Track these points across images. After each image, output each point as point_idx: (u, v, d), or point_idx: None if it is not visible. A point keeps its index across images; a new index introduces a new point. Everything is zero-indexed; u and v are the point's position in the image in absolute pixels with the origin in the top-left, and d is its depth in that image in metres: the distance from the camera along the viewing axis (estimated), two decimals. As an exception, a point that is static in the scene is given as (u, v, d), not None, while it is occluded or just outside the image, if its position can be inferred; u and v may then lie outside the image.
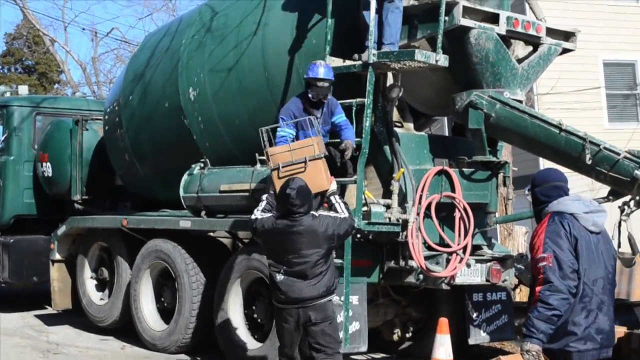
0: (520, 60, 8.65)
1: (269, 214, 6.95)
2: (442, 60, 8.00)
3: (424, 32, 8.30)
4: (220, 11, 10.12)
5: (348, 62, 8.26)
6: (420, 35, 8.34)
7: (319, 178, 7.35)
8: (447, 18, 8.00)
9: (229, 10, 10.02)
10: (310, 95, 7.90)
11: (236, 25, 9.66)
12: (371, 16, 8.00)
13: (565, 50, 9.02)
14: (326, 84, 7.90)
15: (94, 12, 52.59)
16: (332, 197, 7.25)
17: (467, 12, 8.13)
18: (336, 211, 7.04)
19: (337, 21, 8.28)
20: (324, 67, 7.91)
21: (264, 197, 7.28)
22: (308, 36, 8.80)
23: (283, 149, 7.57)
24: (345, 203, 7.25)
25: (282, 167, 7.46)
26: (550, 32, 8.83)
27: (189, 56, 10.16)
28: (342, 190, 8.31)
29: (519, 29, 8.48)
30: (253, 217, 7.02)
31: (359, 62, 8.18)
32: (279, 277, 6.74)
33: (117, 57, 33.10)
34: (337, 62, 8.32)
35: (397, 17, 8.17)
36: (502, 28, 8.30)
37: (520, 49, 8.87)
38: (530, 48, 8.83)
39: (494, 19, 8.32)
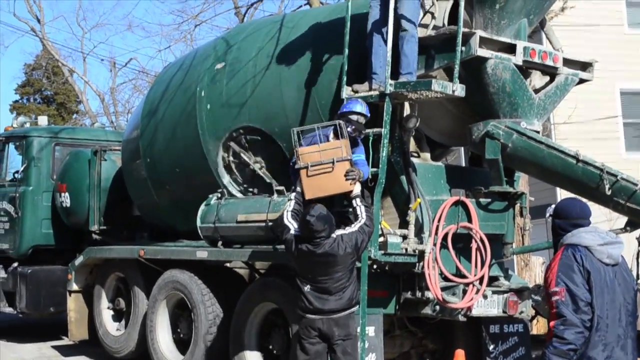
0: (537, 91, 8.63)
1: (292, 231, 7.28)
2: (459, 90, 7.99)
3: (441, 62, 8.30)
4: (234, 44, 10.17)
5: (365, 93, 8.27)
6: (437, 65, 8.34)
7: (344, 179, 7.57)
8: (464, 48, 7.99)
9: (243, 43, 10.07)
10: (349, 130, 7.85)
11: (250, 58, 9.72)
12: (388, 47, 8.01)
13: (582, 81, 9.00)
14: (362, 120, 7.96)
15: (113, 43, 53.08)
16: (354, 200, 7.50)
17: (484, 42, 8.13)
18: (356, 216, 7.35)
19: (352, 53, 8.30)
20: (362, 104, 7.99)
21: (292, 195, 7.70)
22: (323, 69, 8.83)
23: (312, 149, 7.73)
24: (367, 206, 7.48)
25: (311, 166, 7.63)
26: (567, 62, 8.83)
27: (205, 89, 10.19)
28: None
29: (536, 59, 8.47)
30: (285, 220, 7.43)
31: (376, 92, 8.18)
32: (306, 287, 7.15)
33: (135, 87, 33.35)
34: (349, 92, 8.32)
35: (412, 46, 8.16)
36: (519, 58, 8.30)
37: (537, 79, 8.86)
38: (547, 78, 8.82)
39: (510, 49, 8.32)
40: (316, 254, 7.06)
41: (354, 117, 7.92)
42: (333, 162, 7.60)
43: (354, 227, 7.27)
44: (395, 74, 8.09)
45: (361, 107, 7.96)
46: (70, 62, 33.80)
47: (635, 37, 22.71)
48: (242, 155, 9.86)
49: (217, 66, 10.10)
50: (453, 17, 8.45)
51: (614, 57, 21.51)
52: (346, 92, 8.27)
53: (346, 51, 8.30)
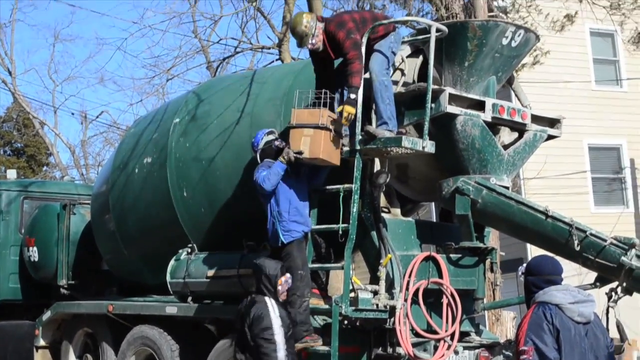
0: (506, 147, 8.71)
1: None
2: (429, 146, 8.05)
3: (410, 118, 8.37)
4: (205, 98, 10.21)
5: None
6: (407, 122, 8.41)
7: (315, 145, 7.97)
8: (433, 105, 8.07)
9: (214, 98, 10.11)
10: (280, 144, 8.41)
11: (221, 113, 9.75)
12: (359, 101, 8.07)
13: (551, 137, 9.10)
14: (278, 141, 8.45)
15: (85, 96, 53.12)
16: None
17: (454, 99, 8.22)
18: None
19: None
20: (262, 131, 8.57)
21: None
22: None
23: (305, 111, 8.13)
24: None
25: (296, 125, 8.05)
26: (536, 118, 8.93)
27: (176, 143, 10.20)
28: (327, 275, 8.71)
29: (505, 116, 8.56)
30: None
31: (347, 148, 8.24)
32: None
33: (106, 140, 33.30)
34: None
35: (384, 94, 8.16)
36: (488, 115, 8.39)
37: (506, 135, 8.96)
38: (516, 134, 8.91)
39: (480, 105, 8.41)
40: None
41: (277, 143, 8.33)
42: (316, 127, 7.96)
43: None
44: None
45: (262, 133, 8.48)
46: (41, 114, 33.76)
47: (602, 93, 23.05)
48: (212, 210, 9.83)
49: (180, 143, 10.13)
50: (422, 74, 8.56)
51: (582, 113, 21.83)
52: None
53: (321, 109, 8.33)
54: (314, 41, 8.33)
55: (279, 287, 7.47)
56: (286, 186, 8.18)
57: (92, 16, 66.37)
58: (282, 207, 8.14)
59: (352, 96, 7.99)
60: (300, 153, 8.02)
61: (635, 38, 18.98)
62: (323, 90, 8.16)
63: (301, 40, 8.38)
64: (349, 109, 7.93)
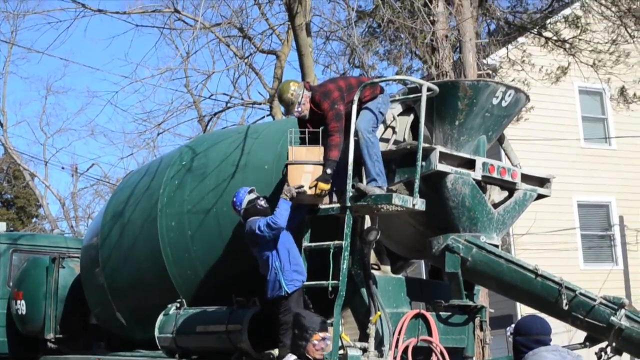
0: (496, 205, 8.76)
1: None
2: (419, 204, 8.09)
3: (401, 176, 8.42)
4: (200, 152, 10.26)
5: (326, 205, 8.35)
6: (398, 179, 8.46)
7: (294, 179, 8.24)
8: (424, 163, 8.13)
9: (209, 152, 10.16)
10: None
11: (216, 166, 9.79)
12: (349, 159, 8.13)
13: (541, 196, 9.16)
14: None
15: (75, 148, 53.15)
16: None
17: (444, 157, 8.28)
18: None
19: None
20: (244, 190, 8.59)
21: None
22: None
23: (302, 148, 8.41)
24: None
25: (294, 162, 8.32)
26: (526, 178, 8.99)
27: (169, 196, 10.22)
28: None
29: (495, 175, 8.63)
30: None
31: (337, 205, 8.27)
32: None
33: (97, 193, 33.27)
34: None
35: (371, 151, 8.22)
36: (478, 173, 8.45)
37: (496, 194, 9.02)
38: (506, 193, 8.97)
39: (470, 164, 8.47)
40: None
41: (261, 202, 8.40)
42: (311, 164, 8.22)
43: None
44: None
45: (244, 192, 8.50)
46: (31, 166, 33.78)
47: (590, 150, 23.22)
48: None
49: (175, 195, 10.14)
50: (414, 132, 8.64)
51: (572, 170, 21.95)
52: (308, 202, 8.35)
53: (309, 166, 8.39)
54: (299, 109, 8.45)
55: (315, 342, 7.12)
56: (284, 235, 8.21)
57: (84, 69, 66.84)
58: (283, 256, 8.16)
59: (328, 171, 8.15)
60: (301, 187, 8.13)
61: (619, 95, 19.20)
62: (320, 130, 8.35)
63: (287, 108, 8.57)
64: (322, 185, 8.14)
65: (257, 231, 8.17)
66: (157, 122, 20.36)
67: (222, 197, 9.55)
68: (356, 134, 8.24)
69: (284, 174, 8.57)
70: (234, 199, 8.55)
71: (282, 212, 8.11)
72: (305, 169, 8.23)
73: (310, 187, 8.19)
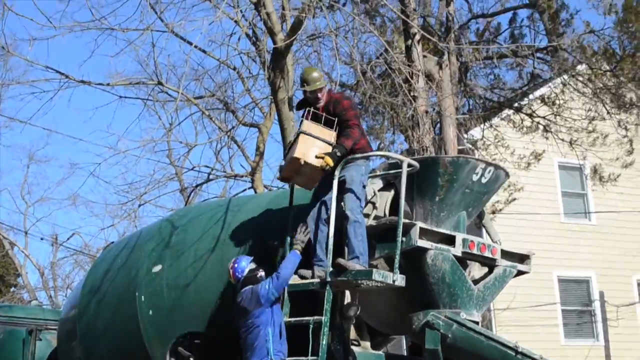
0: (476, 281, 8.76)
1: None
2: (399, 280, 8.09)
3: (381, 251, 8.44)
4: (179, 226, 10.25)
5: (306, 280, 8.33)
6: (378, 255, 8.47)
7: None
8: (404, 239, 8.14)
9: (188, 226, 10.15)
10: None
11: (195, 241, 9.78)
12: (330, 232, 8.14)
13: (521, 272, 9.18)
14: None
15: (56, 217, 52.93)
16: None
17: (424, 233, 8.30)
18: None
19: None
20: (246, 259, 8.49)
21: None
22: (267, 254, 8.90)
23: (317, 126, 8.50)
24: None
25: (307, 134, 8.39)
26: (506, 254, 9.01)
27: (147, 271, 10.17)
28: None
29: (475, 251, 8.64)
30: None
31: (317, 280, 8.26)
32: None
33: (76, 263, 33.07)
34: (295, 279, 8.40)
35: (357, 230, 8.26)
36: (458, 250, 8.46)
37: (476, 270, 9.03)
38: (486, 269, 8.98)
39: (450, 240, 8.49)
40: None
41: (261, 274, 8.31)
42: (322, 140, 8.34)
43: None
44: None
45: (246, 262, 8.39)
46: (11, 235, 33.58)
47: (571, 226, 23.33)
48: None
49: (154, 269, 10.09)
50: (394, 207, 8.67)
51: (552, 245, 22.04)
52: (288, 278, 8.33)
53: (288, 238, 8.42)
54: (320, 95, 8.67)
55: None
56: (277, 309, 8.17)
57: (67, 139, 66.97)
58: (276, 326, 8.10)
59: (338, 153, 8.28)
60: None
61: (593, 174, 19.41)
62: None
63: (313, 83, 8.65)
64: (329, 160, 8.22)
65: (262, 292, 8.06)
66: (138, 193, 20.38)
67: (201, 272, 9.52)
68: (344, 213, 8.28)
69: (293, 140, 8.69)
70: (235, 265, 8.42)
71: (289, 265, 8.14)
72: (316, 143, 8.38)
73: (316, 157, 8.27)
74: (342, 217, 8.30)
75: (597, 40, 17.48)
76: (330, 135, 8.46)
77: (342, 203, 8.31)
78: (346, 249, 8.31)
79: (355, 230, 8.26)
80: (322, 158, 8.23)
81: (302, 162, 8.29)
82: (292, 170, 8.47)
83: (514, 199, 17.91)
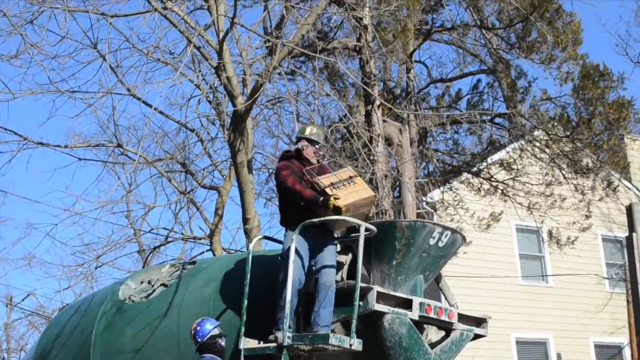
0: (433, 345, 8.77)
1: None
2: (356, 344, 8.07)
3: (339, 315, 8.42)
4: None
5: (262, 344, 8.30)
6: (335, 319, 8.44)
7: (367, 186, 8.64)
8: (361, 303, 8.15)
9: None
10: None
11: (148, 305, 9.70)
12: (287, 297, 8.14)
13: (478, 336, 9.21)
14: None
15: (11, 279, 52.24)
16: None
17: (381, 297, 8.32)
18: None
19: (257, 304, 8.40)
20: (211, 321, 8.36)
21: None
22: (223, 320, 8.86)
23: (327, 176, 8.55)
24: None
25: (332, 184, 8.38)
26: (463, 317, 9.05)
27: (98, 335, 10.03)
28: None
29: (432, 315, 8.66)
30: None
31: (274, 344, 8.21)
32: None
33: (31, 324, 32.57)
34: (252, 343, 8.37)
35: (331, 297, 8.32)
36: (415, 314, 8.48)
37: (433, 333, 9.03)
38: (443, 333, 9.00)
39: (407, 304, 8.51)
40: None
41: (222, 342, 8.21)
42: (351, 178, 8.51)
43: None
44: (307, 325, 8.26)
45: (211, 325, 8.25)
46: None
47: (528, 288, 23.50)
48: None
49: (105, 334, 9.98)
50: (351, 271, 8.71)
51: (510, 307, 22.17)
52: (244, 343, 8.29)
53: (244, 302, 8.40)
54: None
55: None
56: None
57: (24, 200, 66.24)
58: None
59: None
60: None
61: (549, 238, 19.63)
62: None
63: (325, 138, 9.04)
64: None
65: None
66: (96, 254, 20.20)
67: (152, 336, 9.43)
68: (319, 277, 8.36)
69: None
70: (198, 328, 8.26)
71: None
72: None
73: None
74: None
75: (554, 107, 17.82)
76: (345, 170, 8.86)
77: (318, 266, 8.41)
78: (315, 317, 8.30)
79: (330, 298, 8.32)
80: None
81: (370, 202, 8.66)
82: (361, 206, 8.57)
83: (464, 252, 18.01)
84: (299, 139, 9.04)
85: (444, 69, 26.11)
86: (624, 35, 78.25)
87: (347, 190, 8.39)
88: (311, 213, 8.36)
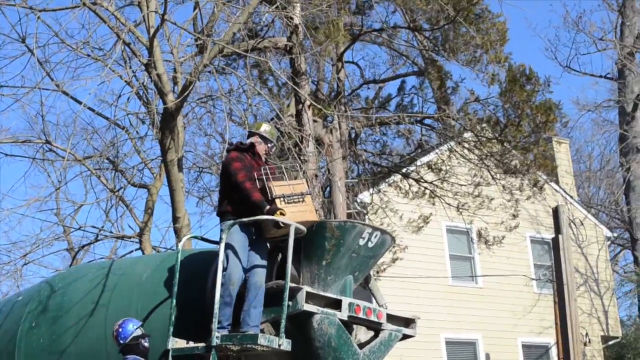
0: (362, 345, 8.79)
1: None
2: (285, 344, 8.05)
3: (268, 315, 8.39)
4: (58, 289, 9.98)
5: (191, 344, 8.22)
6: (264, 319, 8.41)
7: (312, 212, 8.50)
8: (290, 303, 8.13)
9: (67, 289, 9.89)
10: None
11: (73, 304, 9.55)
12: (216, 297, 8.07)
13: (406, 336, 9.25)
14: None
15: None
16: None
17: (311, 297, 8.30)
18: None
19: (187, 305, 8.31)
20: (133, 322, 8.20)
21: None
22: (151, 318, 8.76)
23: (282, 183, 8.51)
24: None
25: (285, 196, 8.37)
26: (391, 318, 9.08)
27: (23, 335, 9.85)
28: None
29: (361, 315, 8.67)
30: None
31: (202, 345, 8.15)
32: None
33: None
34: (181, 343, 8.28)
35: (261, 298, 8.27)
36: (344, 314, 8.48)
37: (362, 333, 9.05)
38: (372, 333, 9.02)
39: (336, 304, 8.51)
40: None
41: (145, 344, 8.07)
42: (302, 195, 8.46)
43: None
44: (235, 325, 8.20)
45: (134, 326, 8.08)
46: None
47: (458, 288, 23.73)
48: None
49: (30, 333, 9.80)
50: (281, 271, 8.67)
51: (439, 308, 22.35)
52: (172, 343, 8.20)
53: (173, 301, 8.31)
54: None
55: None
56: None
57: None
58: None
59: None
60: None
61: (478, 238, 19.83)
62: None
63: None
64: None
65: None
66: (23, 252, 19.83)
67: (78, 336, 9.28)
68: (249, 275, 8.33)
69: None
70: (120, 329, 8.08)
71: None
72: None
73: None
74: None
75: (482, 108, 17.99)
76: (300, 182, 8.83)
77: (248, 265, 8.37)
78: (246, 317, 8.26)
79: (260, 298, 8.30)
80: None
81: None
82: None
83: (397, 258, 18.12)
84: (252, 134, 8.98)
85: (376, 70, 26.25)
86: (553, 39, 79.82)
87: (296, 208, 8.35)
88: (249, 211, 8.32)
